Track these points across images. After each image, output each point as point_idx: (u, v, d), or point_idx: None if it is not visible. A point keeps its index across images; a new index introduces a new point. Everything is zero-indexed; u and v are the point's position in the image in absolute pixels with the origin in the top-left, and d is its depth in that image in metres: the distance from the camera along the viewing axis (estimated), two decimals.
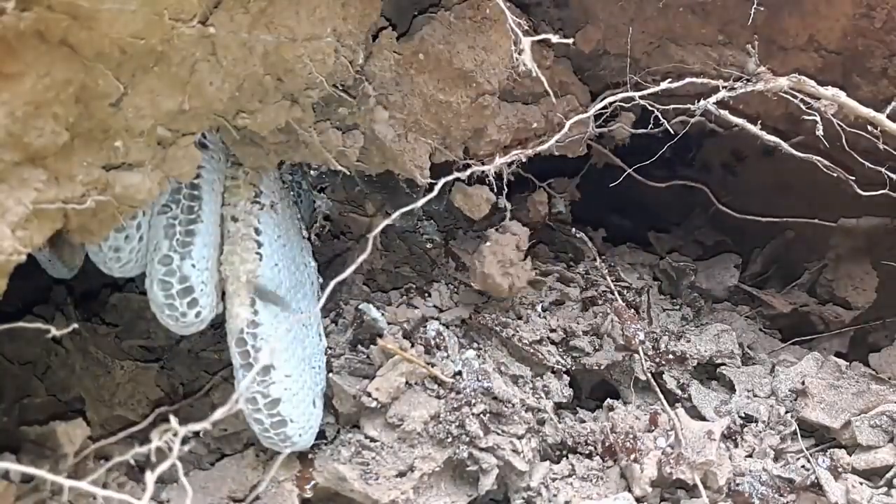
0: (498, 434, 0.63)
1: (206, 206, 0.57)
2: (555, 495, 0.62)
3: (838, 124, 0.57)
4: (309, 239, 0.70)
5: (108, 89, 0.45)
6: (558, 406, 0.73)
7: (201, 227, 0.57)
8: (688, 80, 0.57)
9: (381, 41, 0.59)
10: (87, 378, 0.75)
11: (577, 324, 0.81)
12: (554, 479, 0.64)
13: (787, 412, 0.71)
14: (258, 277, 0.59)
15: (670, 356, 0.78)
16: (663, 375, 0.78)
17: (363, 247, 0.77)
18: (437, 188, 0.49)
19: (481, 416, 0.62)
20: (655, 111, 0.60)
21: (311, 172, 0.71)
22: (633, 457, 0.66)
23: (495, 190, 0.67)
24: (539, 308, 0.79)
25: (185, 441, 0.69)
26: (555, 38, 0.45)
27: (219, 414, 0.34)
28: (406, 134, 0.62)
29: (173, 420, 0.36)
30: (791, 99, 0.58)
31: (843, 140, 0.58)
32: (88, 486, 0.34)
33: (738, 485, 0.65)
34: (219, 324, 0.59)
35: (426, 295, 0.74)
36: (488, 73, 0.62)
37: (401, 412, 0.61)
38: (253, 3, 0.49)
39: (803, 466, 0.67)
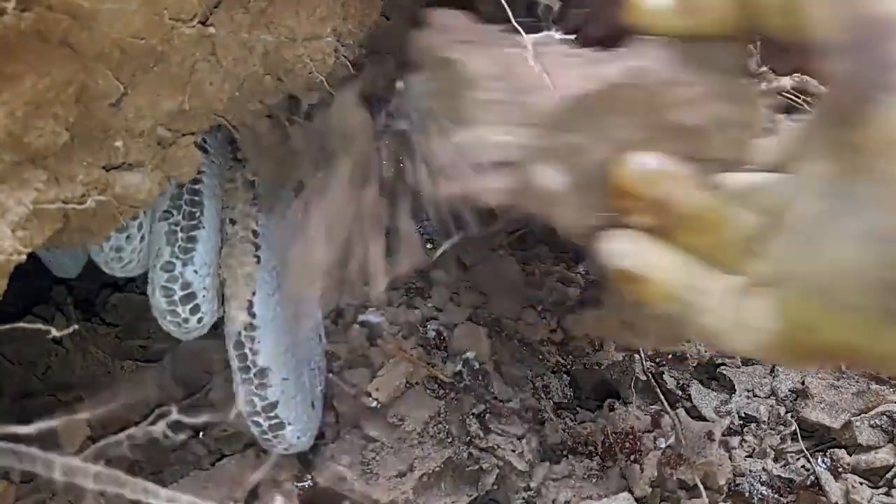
0: (498, 434, 0.63)
1: (207, 212, 0.57)
2: (555, 495, 0.62)
3: None
4: None
5: (108, 89, 0.45)
6: (558, 406, 0.74)
7: (203, 232, 0.57)
8: None
9: None
10: (86, 378, 0.75)
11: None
12: (554, 480, 0.64)
13: (787, 412, 0.71)
14: (256, 280, 0.59)
15: (670, 356, 0.78)
16: (663, 375, 0.78)
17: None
18: None
19: (481, 416, 0.62)
20: None
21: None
22: (633, 457, 0.66)
23: None
24: (539, 308, 0.79)
25: (183, 443, 0.70)
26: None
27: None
28: None
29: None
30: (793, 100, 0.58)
31: None
32: (80, 463, 0.34)
33: (737, 485, 0.65)
34: (219, 324, 0.59)
35: (426, 296, 0.74)
36: None
37: (401, 412, 0.61)
38: (253, 3, 0.49)
39: (803, 466, 0.67)
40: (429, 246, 0.82)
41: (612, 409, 0.73)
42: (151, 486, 0.36)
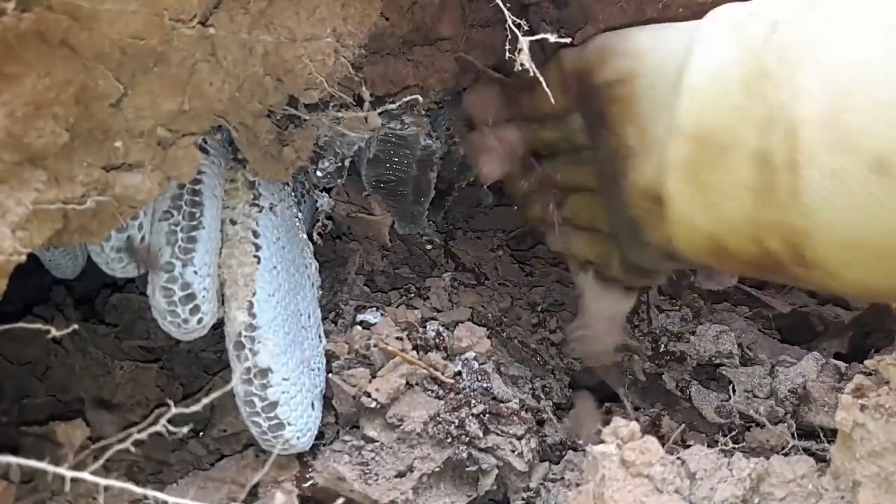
0: (497, 434, 0.63)
1: (207, 213, 0.58)
2: (555, 496, 0.62)
3: None
4: (311, 238, 0.70)
5: (108, 90, 0.45)
6: (558, 406, 0.74)
7: (203, 233, 0.57)
8: None
9: None
10: (86, 378, 0.75)
11: None
12: (553, 480, 0.64)
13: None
14: (256, 280, 0.59)
15: (670, 356, 0.78)
16: (662, 376, 0.78)
17: (367, 247, 0.77)
18: None
19: (481, 416, 0.62)
20: None
21: (318, 172, 0.71)
22: None
23: None
24: (539, 309, 0.79)
25: (183, 439, 0.70)
26: (552, 38, 0.45)
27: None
28: None
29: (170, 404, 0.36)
30: None
31: None
32: (90, 477, 0.35)
33: None
34: (218, 324, 0.59)
35: (426, 296, 0.74)
36: None
37: (400, 412, 0.61)
38: (253, 4, 0.49)
39: None
40: (429, 247, 0.82)
41: (610, 410, 0.73)
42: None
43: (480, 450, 0.61)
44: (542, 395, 0.71)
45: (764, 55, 0.46)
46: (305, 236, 0.69)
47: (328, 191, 0.74)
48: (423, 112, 0.73)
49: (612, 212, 0.60)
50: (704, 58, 0.50)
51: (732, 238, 0.49)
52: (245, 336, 0.57)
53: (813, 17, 0.45)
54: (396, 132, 0.71)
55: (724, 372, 0.76)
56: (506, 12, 0.49)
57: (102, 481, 0.36)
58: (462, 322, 0.69)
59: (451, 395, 0.63)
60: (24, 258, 0.42)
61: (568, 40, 0.49)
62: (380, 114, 0.59)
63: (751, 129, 0.46)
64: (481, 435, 0.62)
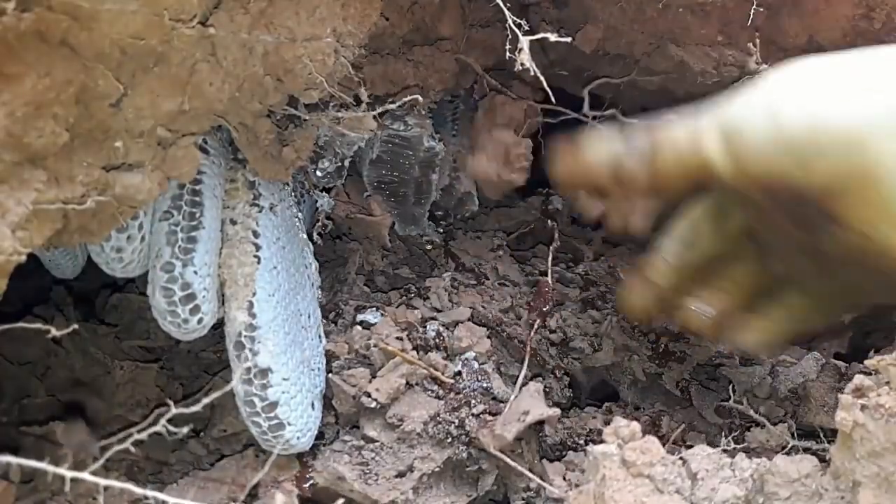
0: None
1: (207, 213, 0.58)
2: (554, 496, 0.62)
3: None
4: (311, 238, 0.70)
5: (108, 90, 0.45)
6: (558, 406, 0.74)
7: (203, 233, 0.57)
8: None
9: None
10: (86, 378, 0.75)
11: (577, 325, 0.81)
12: (553, 480, 0.64)
13: (786, 413, 0.71)
14: (256, 280, 0.59)
15: (670, 356, 0.78)
16: (663, 376, 0.78)
17: (367, 248, 0.77)
18: None
19: (481, 416, 0.62)
20: None
21: (318, 172, 0.71)
22: None
23: None
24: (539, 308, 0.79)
25: (183, 439, 0.70)
26: (553, 37, 0.45)
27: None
28: None
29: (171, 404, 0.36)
30: None
31: None
32: (90, 477, 0.35)
33: None
34: (218, 324, 0.59)
35: (426, 296, 0.74)
36: None
37: (400, 412, 0.61)
38: (253, 4, 0.49)
39: None
40: (429, 247, 0.82)
41: (610, 410, 0.73)
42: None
43: (480, 450, 0.61)
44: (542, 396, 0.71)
45: None
46: (305, 236, 0.69)
47: (328, 191, 0.74)
48: (427, 111, 0.73)
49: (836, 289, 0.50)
50: None
51: None
52: (245, 336, 0.57)
53: None
54: (400, 133, 0.71)
55: (724, 372, 0.76)
56: (506, 12, 0.49)
57: (102, 481, 0.36)
58: (462, 322, 0.69)
59: (451, 395, 0.63)
60: (24, 258, 0.42)
61: (568, 39, 0.49)
62: (382, 115, 0.59)
63: None
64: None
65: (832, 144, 0.40)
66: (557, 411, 0.63)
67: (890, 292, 0.47)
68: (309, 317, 0.66)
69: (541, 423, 0.64)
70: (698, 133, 0.46)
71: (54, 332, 0.38)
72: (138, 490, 0.37)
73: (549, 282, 0.78)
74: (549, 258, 0.79)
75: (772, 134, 0.42)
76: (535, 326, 0.73)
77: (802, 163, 0.41)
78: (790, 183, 0.42)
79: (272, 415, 0.57)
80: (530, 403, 0.62)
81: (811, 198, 0.42)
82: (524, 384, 0.66)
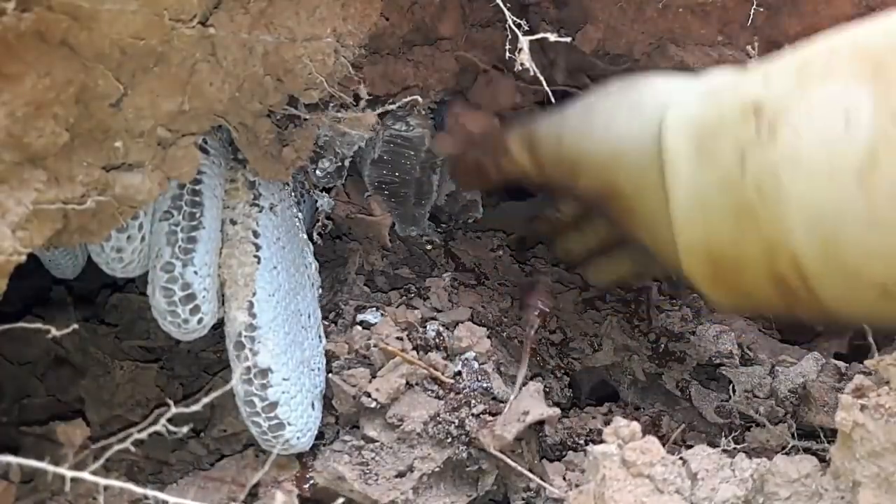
0: None
1: (207, 213, 0.58)
2: (555, 496, 0.62)
3: None
4: (310, 238, 0.70)
5: (108, 90, 0.45)
6: (557, 406, 0.73)
7: (203, 233, 0.57)
8: None
9: None
10: (86, 378, 0.75)
11: (577, 325, 0.81)
12: (553, 480, 0.64)
13: (786, 413, 0.71)
14: (256, 280, 0.59)
15: (669, 356, 0.78)
16: (663, 376, 0.78)
17: (367, 248, 0.77)
18: None
19: (481, 416, 0.62)
20: None
21: (318, 172, 0.71)
22: None
23: None
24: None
25: (183, 439, 0.70)
26: (552, 37, 0.45)
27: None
28: None
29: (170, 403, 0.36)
30: None
31: None
32: (90, 477, 0.35)
33: None
34: (218, 324, 0.59)
35: (426, 296, 0.74)
36: None
37: (400, 412, 0.61)
38: (253, 4, 0.49)
39: None
40: (429, 247, 0.82)
41: (610, 410, 0.73)
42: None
43: (480, 450, 0.61)
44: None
45: (744, 190, 0.48)
46: (305, 236, 0.69)
47: (328, 191, 0.74)
48: (428, 111, 0.73)
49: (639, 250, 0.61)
50: (685, 192, 0.51)
51: (772, 313, 0.59)
52: (245, 336, 0.57)
53: (777, 152, 0.46)
54: (402, 134, 0.71)
55: (724, 372, 0.76)
56: (506, 12, 0.49)
57: (102, 481, 0.36)
58: (462, 322, 0.69)
59: (451, 395, 0.63)
60: (24, 258, 0.42)
61: (568, 39, 0.49)
62: (384, 115, 0.59)
63: (757, 254, 0.49)
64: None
65: (591, 167, 0.58)
66: (557, 411, 0.63)
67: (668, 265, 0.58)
68: (309, 317, 0.66)
69: (541, 423, 0.64)
70: (518, 142, 0.64)
71: (54, 332, 0.38)
72: (138, 490, 0.37)
73: (549, 281, 0.78)
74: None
75: (556, 153, 0.61)
76: (535, 326, 0.73)
77: (575, 177, 0.59)
78: (570, 187, 0.60)
79: (272, 415, 0.57)
80: (530, 403, 0.62)
81: (588, 200, 0.60)
82: (524, 384, 0.66)
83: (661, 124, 0.52)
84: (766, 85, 0.48)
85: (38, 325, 0.40)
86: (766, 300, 0.52)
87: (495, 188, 0.76)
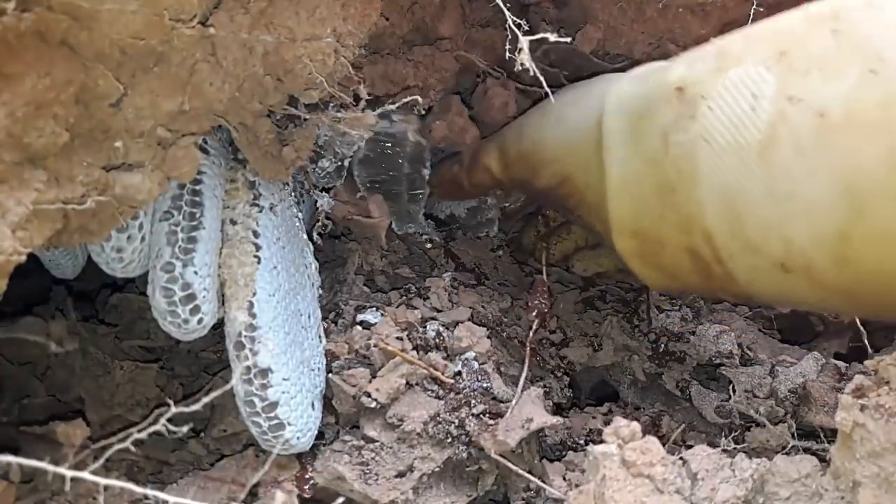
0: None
1: (207, 213, 0.57)
2: (555, 496, 0.62)
3: None
4: (310, 238, 0.70)
5: (108, 90, 0.45)
6: (558, 406, 0.74)
7: (203, 233, 0.57)
8: None
9: None
10: (86, 378, 0.75)
11: (577, 325, 0.81)
12: (553, 480, 0.64)
13: (786, 413, 0.71)
14: (256, 280, 0.59)
15: (670, 356, 0.78)
16: (663, 376, 0.78)
17: (366, 248, 0.77)
18: None
19: (481, 416, 0.62)
20: None
21: (318, 171, 0.71)
22: None
23: None
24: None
25: (183, 439, 0.70)
26: (552, 37, 0.45)
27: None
28: None
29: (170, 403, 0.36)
30: None
31: None
32: (90, 477, 0.35)
33: None
34: (218, 324, 0.59)
35: (426, 296, 0.74)
36: None
37: (400, 412, 0.61)
38: (253, 4, 0.49)
39: None
40: (429, 246, 0.82)
41: (610, 410, 0.73)
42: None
43: (480, 450, 0.61)
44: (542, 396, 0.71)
45: (666, 169, 0.52)
46: (305, 236, 0.69)
47: (326, 191, 0.74)
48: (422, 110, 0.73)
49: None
50: (618, 169, 0.56)
51: (696, 291, 0.62)
52: (245, 336, 0.57)
53: (693, 131, 0.50)
54: (385, 130, 0.71)
55: (724, 372, 0.76)
56: (506, 12, 0.49)
57: (102, 481, 0.36)
58: (462, 322, 0.69)
59: (451, 395, 0.63)
60: (24, 258, 0.42)
61: (568, 39, 0.49)
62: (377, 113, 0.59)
63: (676, 231, 0.53)
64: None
65: (547, 159, 0.63)
66: (560, 419, 0.63)
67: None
68: (309, 317, 0.66)
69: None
70: (490, 150, 0.71)
71: (54, 331, 0.38)
72: (138, 490, 0.37)
73: (545, 280, 0.78)
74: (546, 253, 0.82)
75: (518, 150, 0.67)
76: (534, 326, 0.73)
77: (534, 172, 0.65)
78: (532, 182, 0.66)
79: (272, 415, 0.57)
80: (533, 410, 0.62)
81: (548, 193, 0.65)
82: (525, 386, 0.66)
83: (602, 110, 0.57)
84: (690, 68, 0.51)
85: (38, 326, 0.40)
86: (688, 277, 0.55)
87: (466, 198, 0.81)
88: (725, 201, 0.49)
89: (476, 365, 0.66)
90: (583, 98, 0.60)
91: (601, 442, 0.53)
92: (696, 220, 0.51)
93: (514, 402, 0.63)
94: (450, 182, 0.76)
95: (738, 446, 0.68)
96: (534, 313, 0.75)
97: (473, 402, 0.62)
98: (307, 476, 0.62)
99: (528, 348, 0.71)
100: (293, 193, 0.69)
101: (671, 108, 0.51)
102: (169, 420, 0.38)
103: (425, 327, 0.68)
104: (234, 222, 0.61)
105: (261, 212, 0.62)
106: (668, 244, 0.55)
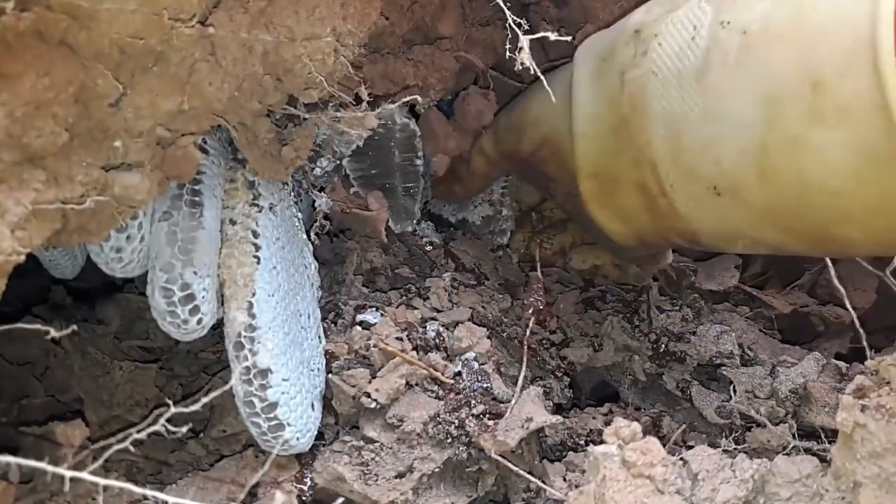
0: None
1: (207, 213, 0.57)
2: (555, 497, 0.62)
3: None
4: (309, 238, 0.70)
5: (107, 89, 0.45)
6: (558, 407, 0.73)
7: (203, 233, 0.57)
8: None
9: None
10: (85, 379, 0.75)
11: (577, 325, 0.81)
12: (553, 481, 0.64)
13: (787, 413, 0.71)
14: (256, 281, 0.59)
15: (670, 357, 0.78)
16: (663, 376, 0.78)
17: (365, 245, 0.77)
18: None
19: (481, 416, 0.62)
20: None
21: (317, 171, 0.70)
22: None
23: None
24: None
25: (183, 439, 0.70)
26: (553, 36, 0.45)
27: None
28: None
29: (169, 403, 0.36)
30: None
31: None
32: (89, 477, 0.34)
33: None
34: (218, 325, 0.59)
35: (426, 296, 0.74)
36: None
37: (400, 413, 0.61)
38: (252, 3, 0.49)
39: None
40: (429, 247, 0.82)
41: (611, 411, 0.73)
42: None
43: (480, 450, 0.61)
44: (542, 396, 0.70)
45: (622, 105, 0.57)
46: (305, 236, 0.69)
47: (323, 189, 0.73)
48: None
49: (590, 230, 0.71)
50: (582, 109, 0.61)
51: (649, 238, 0.65)
52: (245, 336, 0.57)
53: (645, 66, 0.55)
54: None
55: (724, 372, 0.76)
56: (506, 11, 0.49)
57: (102, 481, 0.36)
58: (462, 322, 0.69)
59: (451, 395, 0.63)
60: (23, 258, 0.41)
61: (568, 38, 0.49)
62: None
63: (627, 165, 0.58)
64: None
65: (529, 124, 0.69)
66: (560, 419, 0.63)
67: (597, 238, 0.70)
68: (309, 317, 0.66)
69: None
70: (487, 134, 0.75)
71: (53, 332, 0.38)
72: (138, 490, 0.37)
73: (540, 276, 0.78)
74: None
75: (507, 122, 0.72)
76: (530, 324, 0.73)
77: (519, 138, 0.70)
78: (518, 151, 0.71)
79: (272, 415, 0.57)
80: (532, 409, 0.62)
81: (530, 161, 0.70)
82: (524, 386, 0.66)
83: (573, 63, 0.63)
84: (647, 12, 0.57)
85: (38, 326, 0.40)
86: (639, 217, 0.61)
87: (464, 196, 0.83)
88: (668, 130, 0.54)
89: (476, 365, 0.66)
90: (563, 68, 0.66)
91: (601, 442, 0.53)
92: (645, 151, 0.56)
93: (513, 401, 0.63)
94: (448, 173, 0.78)
95: (739, 447, 0.68)
96: (529, 311, 0.75)
97: (473, 402, 0.62)
98: (307, 476, 0.62)
99: (526, 346, 0.71)
100: (292, 193, 0.69)
101: (629, 48, 0.56)
102: (168, 420, 0.38)
103: (425, 327, 0.68)
104: (233, 222, 0.61)
105: (260, 212, 0.62)
106: (621, 181, 0.60)
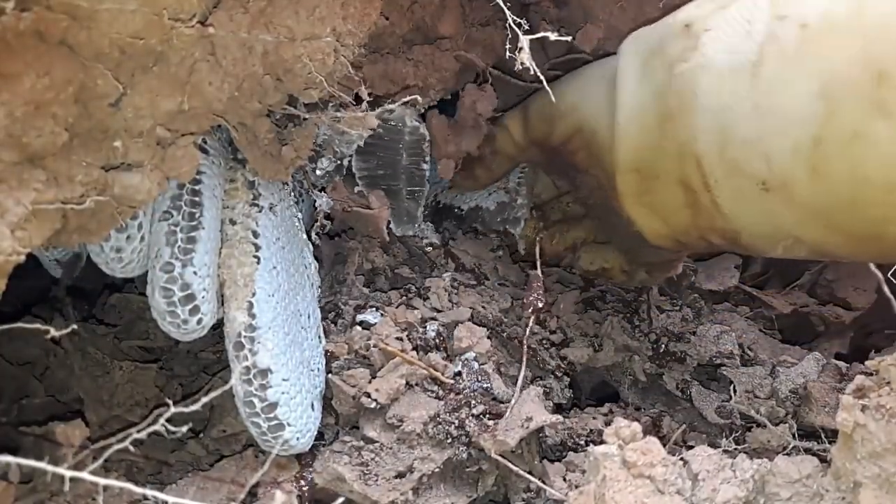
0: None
1: (207, 213, 0.57)
2: (555, 497, 0.62)
3: None
4: (309, 238, 0.70)
5: (107, 89, 0.45)
6: (558, 407, 0.73)
7: (203, 233, 0.57)
8: None
9: None
10: (85, 379, 0.75)
11: (577, 325, 0.81)
12: (553, 481, 0.64)
13: (787, 413, 0.71)
14: (256, 281, 0.59)
15: (670, 357, 0.78)
16: (663, 376, 0.78)
17: (366, 245, 0.77)
18: None
19: (481, 416, 0.62)
20: None
21: (317, 171, 0.70)
22: None
23: None
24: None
25: (183, 439, 0.70)
26: (553, 36, 0.45)
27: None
28: None
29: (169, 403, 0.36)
30: None
31: None
32: (89, 477, 0.34)
33: None
34: (218, 325, 0.59)
35: (426, 297, 0.74)
36: None
37: (400, 413, 0.61)
38: (252, 3, 0.49)
39: None
40: (429, 248, 0.82)
41: (611, 411, 0.73)
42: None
43: (480, 450, 0.61)
44: (542, 396, 0.70)
45: (668, 98, 0.57)
46: (305, 236, 0.69)
47: (324, 189, 0.73)
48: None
49: (613, 227, 0.70)
50: (628, 102, 0.60)
51: (686, 237, 0.63)
52: (245, 336, 0.57)
53: (695, 60, 0.55)
54: (382, 116, 0.70)
55: (724, 372, 0.76)
56: (506, 11, 0.49)
57: (102, 481, 0.36)
58: (462, 322, 0.69)
59: (451, 395, 0.63)
60: (23, 258, 0.41)
61: (568, 38, 0.49)
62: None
63: (670, 161, 0.58)
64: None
65: (565, 110, 0.67)
66: (559, 417, 0.63)
67: (620, 236, 0.70)
68: (309, 317, 0.66)
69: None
70: (512, 116, 0.74)
71: (53, 332, 0.38)
72: (138, 490, 0.37)
73: (540, 275, 0.78)
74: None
75: (540, 108, 0.71)
76: (530, 323, 0.73)
77: (552, 124, 0.69)
78: (549, 139, 0.70)
79: (272, 415, 0.57)
80: (532, 409, 0.62)
81: (560, 150, 0.69)
82: (524, 386, 0.66)
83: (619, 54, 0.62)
84: (698, 7, 0.56)
85: (37, 326, 0.40)
86: (678, 214, 0.60)
87: (486, 180, 0.81)
88: (716, 124, 0.53)
89: (476, 365, 0.66)
90: (603, 60, 0.66)
91: (602, 442, 0.53)
92: (689, 146, 0.55)
93: (513, 401, 0.63)
94: (468, 158, 0.77)
95: (739, 447, 0.68)
96: (529, 309, 0.74)
97: (473, 402, 0.62)
98: (307, 476, 0.62)
99: (525, 345, 0.71)
100: (292, 193, 0.69)
101: (678, 41, 0.56)
102: (168, 420, 0.38)
103: (425, 327, 0.68)
104: (233, 222, 0.61)
105: (260, 212, 0.62)
106: (662, 177, 0.59)
